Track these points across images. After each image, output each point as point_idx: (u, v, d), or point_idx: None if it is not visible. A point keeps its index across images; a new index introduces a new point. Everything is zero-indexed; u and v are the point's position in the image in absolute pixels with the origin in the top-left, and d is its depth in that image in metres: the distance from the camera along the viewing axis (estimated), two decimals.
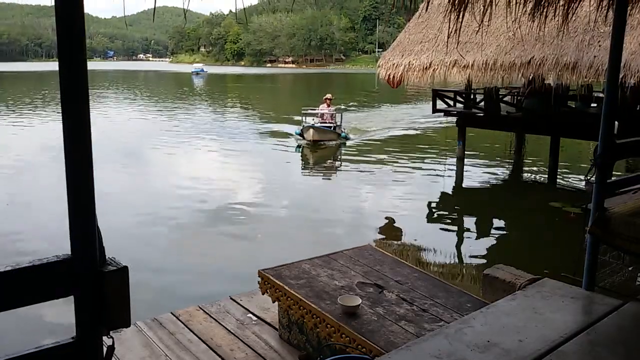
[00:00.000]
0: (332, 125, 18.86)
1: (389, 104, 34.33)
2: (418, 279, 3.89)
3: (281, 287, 3.73)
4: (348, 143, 18.90)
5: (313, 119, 18.97)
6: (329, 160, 17.43)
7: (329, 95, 19.96)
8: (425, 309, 3.41)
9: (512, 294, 2.71)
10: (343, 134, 18.92)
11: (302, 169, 16.30)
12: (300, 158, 17.60)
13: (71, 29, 1.03)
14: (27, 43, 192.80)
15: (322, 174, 15.60)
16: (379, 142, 20.04)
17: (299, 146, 18.45)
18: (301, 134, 18.70)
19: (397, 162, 16.08)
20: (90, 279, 1.10)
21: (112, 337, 1.16)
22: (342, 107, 24.46)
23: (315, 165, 16.70)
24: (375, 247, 4.69)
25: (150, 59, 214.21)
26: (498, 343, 2.08)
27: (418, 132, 23.10)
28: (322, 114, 19.20)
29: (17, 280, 1.05)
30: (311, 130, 18.02)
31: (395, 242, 9.17)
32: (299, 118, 19.99)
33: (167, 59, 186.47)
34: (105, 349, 1.15)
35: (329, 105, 19.54)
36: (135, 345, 3.96)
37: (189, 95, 46.23)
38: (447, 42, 6.94)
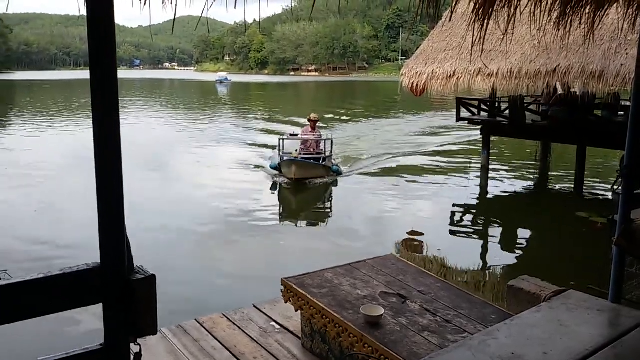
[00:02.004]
0: (319, 156, 14.03)
1: (410, 113, 34.21)
2: (441, 289, 3.87)
3: (304, 295, 3.74)
4: (340, 179, 14.39)
5: (296, 150, 13.85)
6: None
7: (313, 115, 14.85)
8: (448, 320, 3.39)
9: (537, 306, 2.68)
10: (334, 167, 14.24)
11: (280, 218, 11.51)
12: (279, 203, 13.05)
13: (102, 39, 1.05)
14: (56, 52, 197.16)
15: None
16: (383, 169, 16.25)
17: (274, 185, 13.80)
18: (278, 169, 13.87)
19: (417, 172, 15.99)
20: (118, 287, 1.12)
21: (139, 345, 1.18)
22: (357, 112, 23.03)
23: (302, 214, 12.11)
24: (398, 257, 4.68)
25: (176, 67, 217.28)
26: (522, 355, 2.06)
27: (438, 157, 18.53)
28: (306, 141, 14.33)
29: (48, 288, 1.08)
30: (293, 167, 13.19)
31: (418, 252, 9.12)
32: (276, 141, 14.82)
33: (192, 68, 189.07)
34: (132, 356, 1.17)
35: (313, 129, 14.60)
36: (160, 351, 4.01)
37: (213, 104, 46.65)
38: (471, 50, 6.90)
